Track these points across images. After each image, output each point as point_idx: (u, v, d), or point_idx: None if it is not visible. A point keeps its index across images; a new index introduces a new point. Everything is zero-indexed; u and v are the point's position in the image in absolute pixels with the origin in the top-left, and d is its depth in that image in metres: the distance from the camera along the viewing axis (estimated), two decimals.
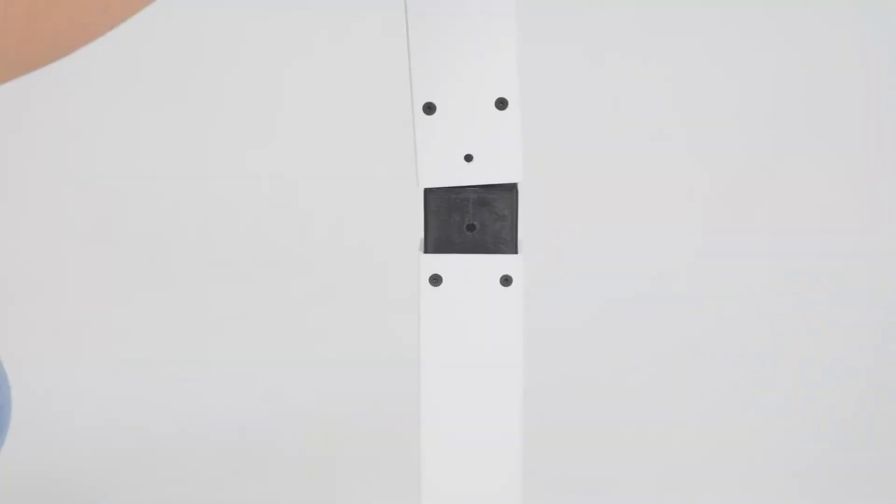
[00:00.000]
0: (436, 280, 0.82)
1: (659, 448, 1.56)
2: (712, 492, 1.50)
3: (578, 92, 1.93)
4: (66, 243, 1.86)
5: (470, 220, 0.82)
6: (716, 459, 1.56)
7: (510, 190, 0.82)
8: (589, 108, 1.94)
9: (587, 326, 1.83)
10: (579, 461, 1.54)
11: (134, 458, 1.51)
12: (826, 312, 1.83)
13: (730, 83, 1.95)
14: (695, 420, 1.63)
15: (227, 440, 1.56)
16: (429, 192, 0.82)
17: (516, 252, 0.82)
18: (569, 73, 1.93)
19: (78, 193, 1.91)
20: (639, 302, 1.85)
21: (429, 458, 0.85)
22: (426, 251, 0.82)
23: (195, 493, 1.45)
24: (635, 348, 1.78)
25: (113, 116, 1.93)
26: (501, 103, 0.80)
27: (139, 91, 1.94)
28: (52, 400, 1.65)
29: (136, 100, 1.94)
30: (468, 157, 0.81)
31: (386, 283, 1.77)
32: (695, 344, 1.79)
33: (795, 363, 1.75)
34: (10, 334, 1.75)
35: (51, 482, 1.47)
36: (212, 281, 1.78)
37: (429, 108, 0.80)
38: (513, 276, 0.82)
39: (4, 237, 1.84)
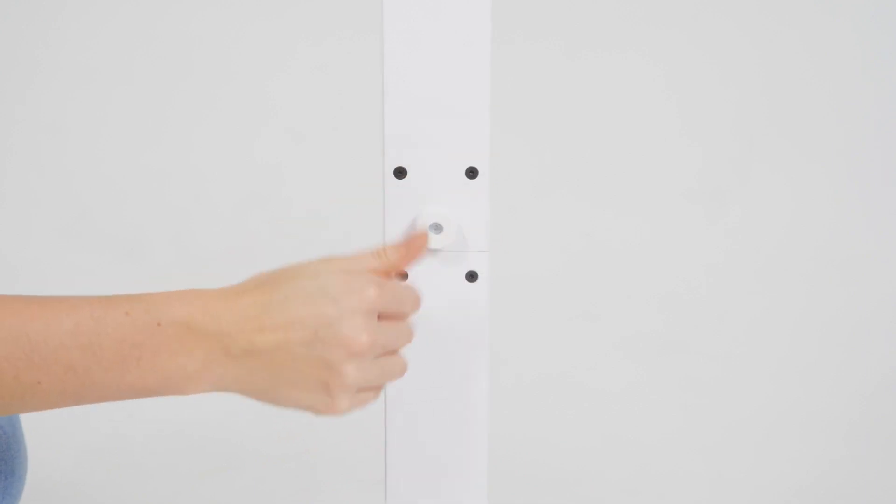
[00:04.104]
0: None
1: (633, 451, 1.56)
2: (709, 492, 1.50)
3: (560, 89, 1.93)
4: (43, 237, 1.86)
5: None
6: (708, 461, 1.55)
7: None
8: (573, 104, 1.93)
9: (580, 325, 1.82)
10: (547, 460, 1.54)
11: (113, 458, 1.51)
12: (824, 312, 1.82)
13: (721, 80, 1.94)
14: (687, 419, 1.63)
15: (208, 439, 1.56)
16: None
17: (483, 248, 0.82)
18: (550, 70, 1.92)
19: (54, 186, 1.90)
20: (633, 301, 1.84)
21: (394, 455, 0.85)
22: None
23: (183, 493, 1.46)
24: (627, 348, 1.77)
25: (101, 114, 1.93)
26: (472, 172, 0.79)
27: (128, 92, 1.94)
28: None
29: (125, 101, 1.93)
30: (436, 228, 0.81)
31: None
32: (688, 343, 1.78)
33: (791, 363, 1.75)
34: None
35: (32, 483, 1.47)
36: (192, 277, 1.78)
37: (399, 173, 0.80)
38: (478, 273, 0.81)
39: None
